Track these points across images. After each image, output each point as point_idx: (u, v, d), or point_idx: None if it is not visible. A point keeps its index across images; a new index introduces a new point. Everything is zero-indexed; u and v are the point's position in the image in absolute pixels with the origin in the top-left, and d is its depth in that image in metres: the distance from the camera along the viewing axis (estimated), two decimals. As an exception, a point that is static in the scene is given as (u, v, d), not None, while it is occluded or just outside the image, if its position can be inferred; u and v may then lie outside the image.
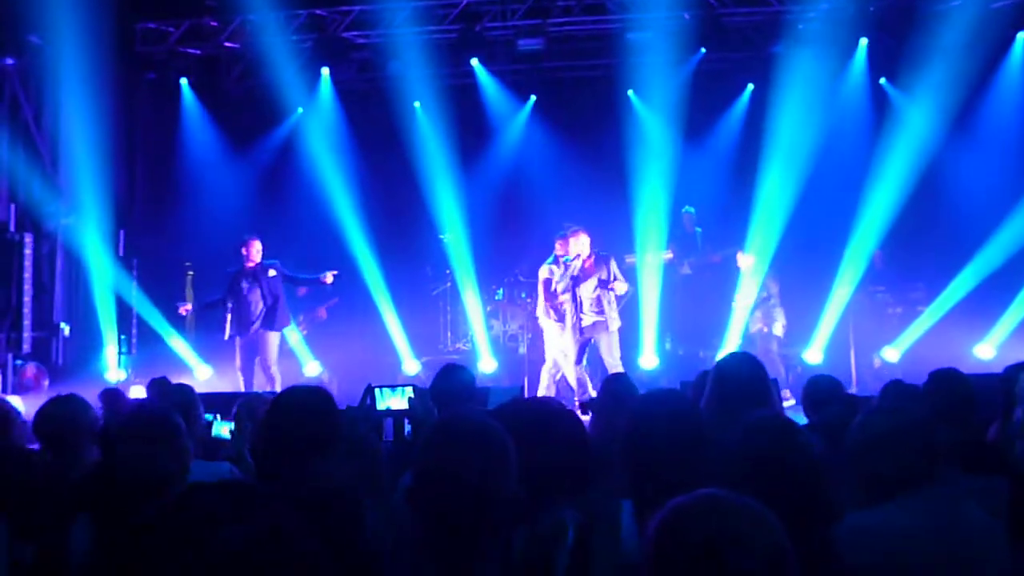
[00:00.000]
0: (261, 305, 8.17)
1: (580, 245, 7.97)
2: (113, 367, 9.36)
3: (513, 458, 1.77)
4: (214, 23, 10.13)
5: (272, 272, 8.26)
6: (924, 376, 3.73)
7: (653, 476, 2.07)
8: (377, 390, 3.58)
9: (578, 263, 7.95)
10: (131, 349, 9.69)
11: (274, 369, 8.16)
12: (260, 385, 7.86)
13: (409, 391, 3.55)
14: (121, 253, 9.77)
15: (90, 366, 9.25)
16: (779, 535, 1.25)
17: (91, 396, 3.58)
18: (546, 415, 2.16)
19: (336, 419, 2.38)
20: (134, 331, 9.80)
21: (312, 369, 9.56)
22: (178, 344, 9.59)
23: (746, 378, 3.01)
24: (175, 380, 5.55)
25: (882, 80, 10.25)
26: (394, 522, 2.29)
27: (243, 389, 7.77)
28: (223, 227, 9.92)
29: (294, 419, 2.31)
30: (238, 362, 8.26)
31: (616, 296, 8.07)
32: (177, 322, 9.77)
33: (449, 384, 3.68)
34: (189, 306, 8.88)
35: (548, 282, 8.27)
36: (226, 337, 8.28)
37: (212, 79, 10.66)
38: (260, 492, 1.24)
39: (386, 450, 3.44)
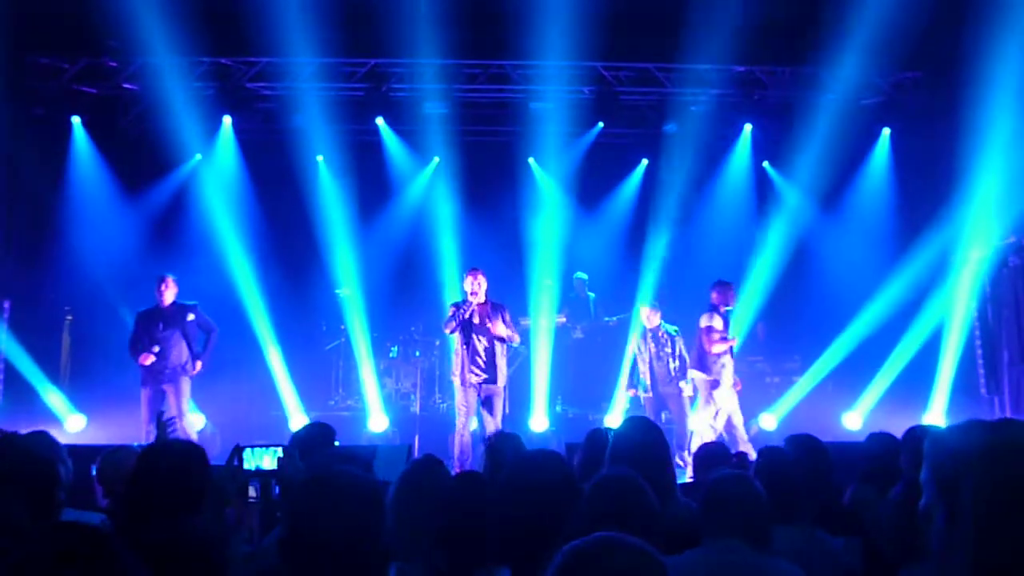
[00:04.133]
0: (176, 352, 7.63)
1: (478, 286, 7.25)
2: (-27, 415, 8.75)
3: (383, 511, 1.82)
4: (113, 63, 9.91)
5: (191, 316, 7.73)
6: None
7: (523, 539, 2.12)
8: (248, 450, 3.48)
9: (473, 307, 7.27)
10: (-5, 396, 9.11)
11: (187, 419, 7.66)
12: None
13: (279, 450, 3.47)
14: (-8, 294, 9.24)
15: (-52, 413, 8.62)
16: (663, 572, 1.36)
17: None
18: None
19: (206, 475, 2.36)
20: (0, 377, 9.22)
21: (196, 422, 9.20)
22: (49, 393, 9.07)
23: (642, 442, 3.19)
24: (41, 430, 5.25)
25: (765, 163, 10.98)
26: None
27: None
28: (107, 271, 9.56)
29: (163, 474, 2.29)
30: (145, 414, 7.53)
31: (507, 348, 7.54)
32: (49, 369, 9.25)
33: (310, 437, 3.74)
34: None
35: (710, 329, 7.84)
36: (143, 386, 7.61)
37: (107, 119, 10.34)
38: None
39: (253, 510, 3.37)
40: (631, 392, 8.44)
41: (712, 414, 7.82)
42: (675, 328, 8.44)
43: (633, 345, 8.52)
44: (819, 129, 9.74)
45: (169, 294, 7.69)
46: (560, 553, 1.36)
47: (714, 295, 8.05)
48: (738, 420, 7.88)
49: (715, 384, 7.87)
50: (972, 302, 9.35)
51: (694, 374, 8.02)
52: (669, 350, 8.28)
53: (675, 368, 8.22)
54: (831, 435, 7.65)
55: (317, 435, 3.91)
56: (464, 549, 2.41)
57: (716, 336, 7.83)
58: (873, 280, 9.67)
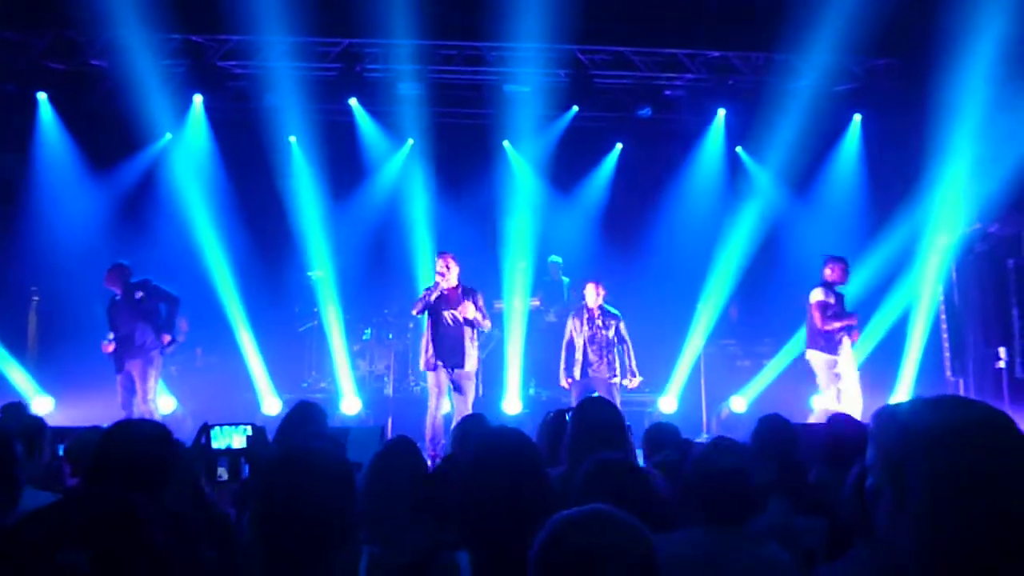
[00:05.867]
0: (137, 333, 7.56)
1: (447, 268, 7.23)
2: (-63, 396, 8.61)
3: (352, 490, 1.83)
4: (81, 38, 9.70)
5: (139, 294, 7.64)
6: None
7: (488, 517, 2.11)
8: (216, 428, 3.40)
9: (440, 289, 7.23)
10: (-40, 377, 8.96)
11: (152, 403, 7.57)
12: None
13: (248, 428, 3.42)
14: (-44, 274, 9.08)
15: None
16: (650, 547, 1.38)
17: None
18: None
19: (169, 453, 2.35)
20: (-34, 358, 9.08)
21: (166, 404, 9.11)
22: (15, 373, 8.95)
23: (604, 422, 3.23)
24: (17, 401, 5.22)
25: (738, 148, 11.04)
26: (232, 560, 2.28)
27: None
28: (76, 251, 9.41)
29: (125, 451, 2.28)
30: (119, 399, 7.58)
31: (478, 333, 7.48)
32: (16, 350, 9.12)
33: (302, 419, 3.71)
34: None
35: (824, 305, 7.40)
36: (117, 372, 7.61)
37: (75, 96, 10.14)
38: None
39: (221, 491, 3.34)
40: (568, 382, 7.88)
41: (834, 396, 7.41)
42: (617, 311, 8.00)
43: (570, 325, 7.99)
44: (792, 114, 9.81)
45: (109, 283, 7.65)
46: (548, 523, 1.38)
47: (827, 270, 7.55)
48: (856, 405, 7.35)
49: (835, 363, 7.46)
50: (939, 287, 9.50)
51: (810, 354, 7.63)
52: (609, 333, 7.81)
53: (615, 352, 7.78)
54: (801, 417, 7.78)
55: (309, 413, 3.89)
56: (433, 531, 2.43)
57: (829, 312, 7.39)
58: (843, 264, 9.76)
